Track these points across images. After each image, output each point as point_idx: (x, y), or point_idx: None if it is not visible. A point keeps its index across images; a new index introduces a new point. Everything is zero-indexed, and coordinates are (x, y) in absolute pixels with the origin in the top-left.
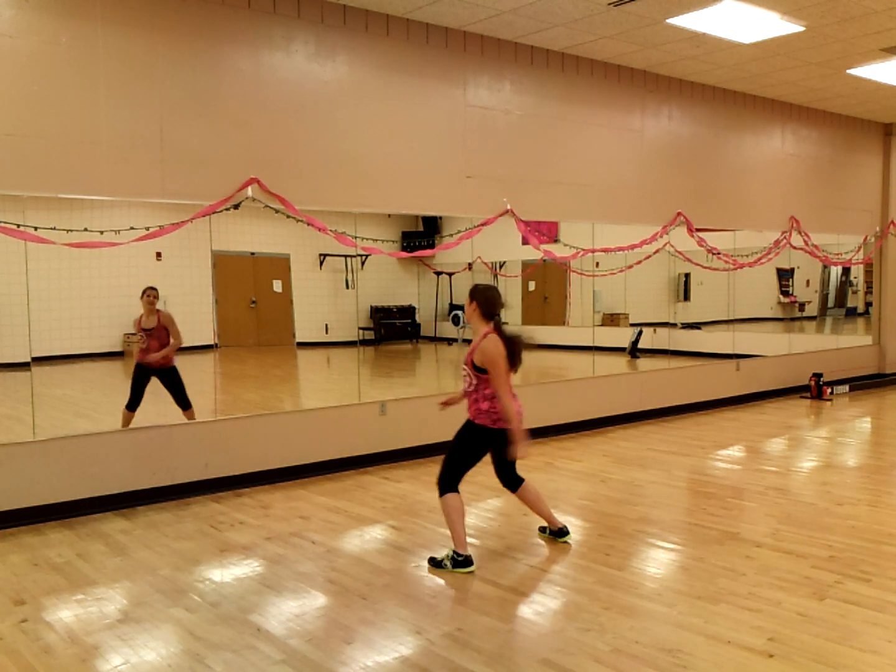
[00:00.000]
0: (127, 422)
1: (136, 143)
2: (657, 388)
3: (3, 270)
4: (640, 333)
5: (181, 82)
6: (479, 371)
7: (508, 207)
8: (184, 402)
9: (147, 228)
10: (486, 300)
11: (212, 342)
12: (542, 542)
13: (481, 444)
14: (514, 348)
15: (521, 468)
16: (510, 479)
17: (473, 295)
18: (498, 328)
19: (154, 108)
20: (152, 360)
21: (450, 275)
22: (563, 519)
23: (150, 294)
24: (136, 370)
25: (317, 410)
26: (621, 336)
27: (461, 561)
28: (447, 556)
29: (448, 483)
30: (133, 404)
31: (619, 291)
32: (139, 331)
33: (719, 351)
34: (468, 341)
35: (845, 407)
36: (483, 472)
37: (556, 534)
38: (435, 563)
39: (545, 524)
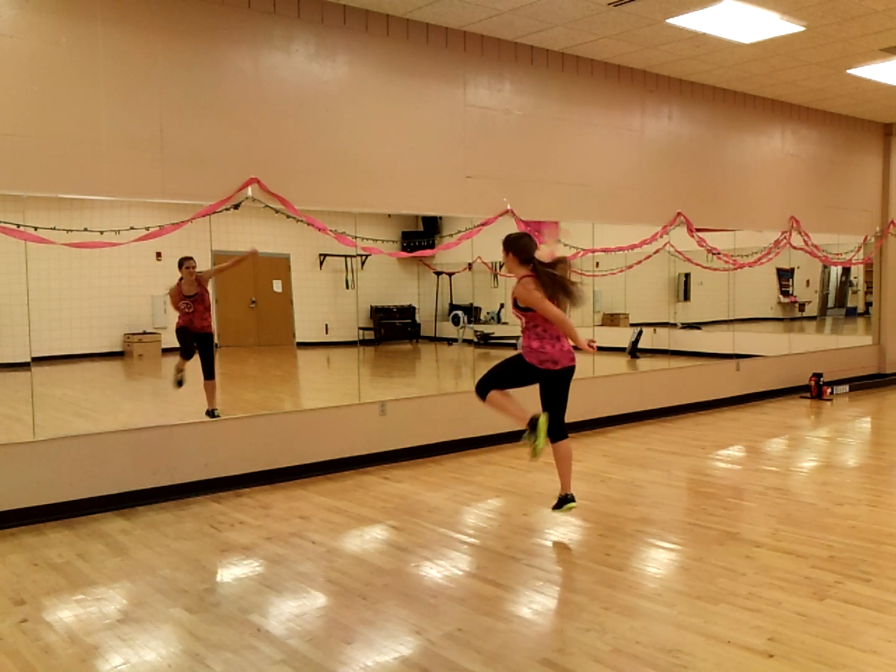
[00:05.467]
0: (183, 364)
1: (136, 143)
2: (657, 388)
3: (3, 270)
4: (640, 333)
5: (181, 82)
6: (523, 310)
7: (508, 207)
8: (209, 372)
9: (147, 228)
10: (520, 248)
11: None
12: (543, 542)
13: (526, 374)
14: (555, 284)
15: (524, 468)
16: (554, 429)
17: (507, 246)
18: (535, 270)
19: (154, 108)
20: (203, 325)
21: (450, 275)
22: (563, 518)
23: (189, 265)
24: (181, 332)
25: (317, 410)
26: (621, 336)
27: (534, 422)
28: (525, 434)
29: (484, 387)
30: (188, 355)
31: (619, 291)
32: (181, 298)
33: (719, 351)
34: (468, 341)
35: (845, 407)
36: (482, 473)
37: (562, 500)
38: (530, 429)
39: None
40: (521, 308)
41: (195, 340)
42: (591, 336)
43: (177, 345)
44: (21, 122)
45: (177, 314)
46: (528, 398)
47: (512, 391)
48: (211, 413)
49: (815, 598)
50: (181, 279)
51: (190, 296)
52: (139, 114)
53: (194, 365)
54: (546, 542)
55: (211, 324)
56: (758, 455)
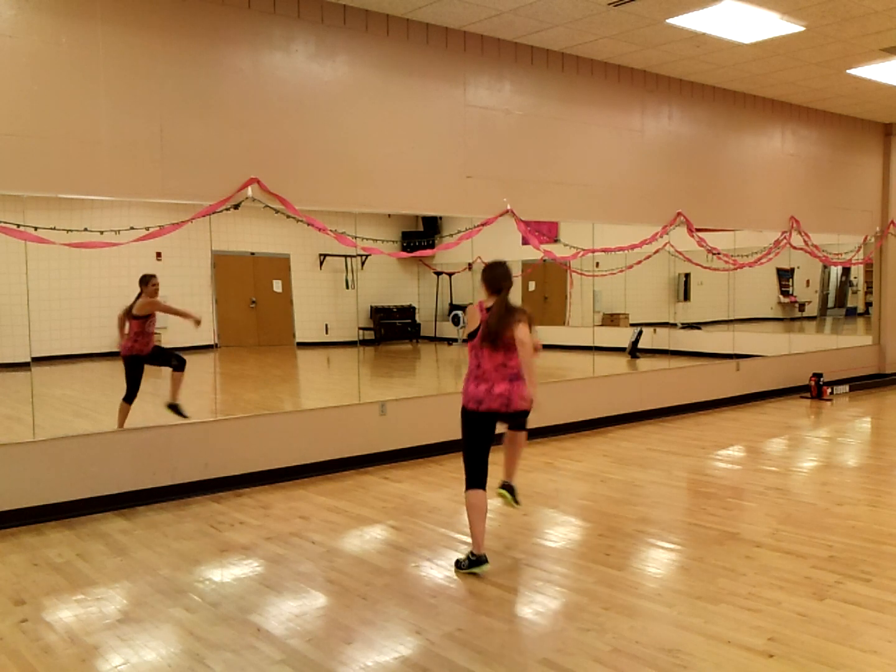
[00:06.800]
0: (125, 415)
1: (136, 143)
2: (657, 388)
3: (3, 270)
4: (640, 333)
5: (181, 82)
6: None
7: (508, 207)
8: (179, 363)
9: (147, 228)
10: (489, 278)
11: (212, 342)
12: (543, 542)
13: (471, 428)
14: (493, 323)
15: (523, 468)
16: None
17: (482, 275)
18: (498, 299)
19: (154, 108)
20: (151, 346)
21: (450, 275)
22: (562, 518)
23: (156, 283)
24: (136, 361)
25: (317, 410)
26: (621, 336)
27: (474, 561)
28: (466, 556)
29: (467, 482)
30: (133, 394)
31: (619, 291)
32: (128, 317)
33: (719, 351)
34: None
35: (845, 407)
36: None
37: (503, 485)
38: (457, 565)
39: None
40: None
41: (146, 363)
42: (591, 336)
43: (174, 345)
44: (21, 122)
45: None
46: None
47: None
48: (174, 407)
49: (815, 598)
50: (141, 295)
51: (145, 316)
52: (139, 114)
53: (197, 365)
54: (546, 542)
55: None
56: (758, 455)
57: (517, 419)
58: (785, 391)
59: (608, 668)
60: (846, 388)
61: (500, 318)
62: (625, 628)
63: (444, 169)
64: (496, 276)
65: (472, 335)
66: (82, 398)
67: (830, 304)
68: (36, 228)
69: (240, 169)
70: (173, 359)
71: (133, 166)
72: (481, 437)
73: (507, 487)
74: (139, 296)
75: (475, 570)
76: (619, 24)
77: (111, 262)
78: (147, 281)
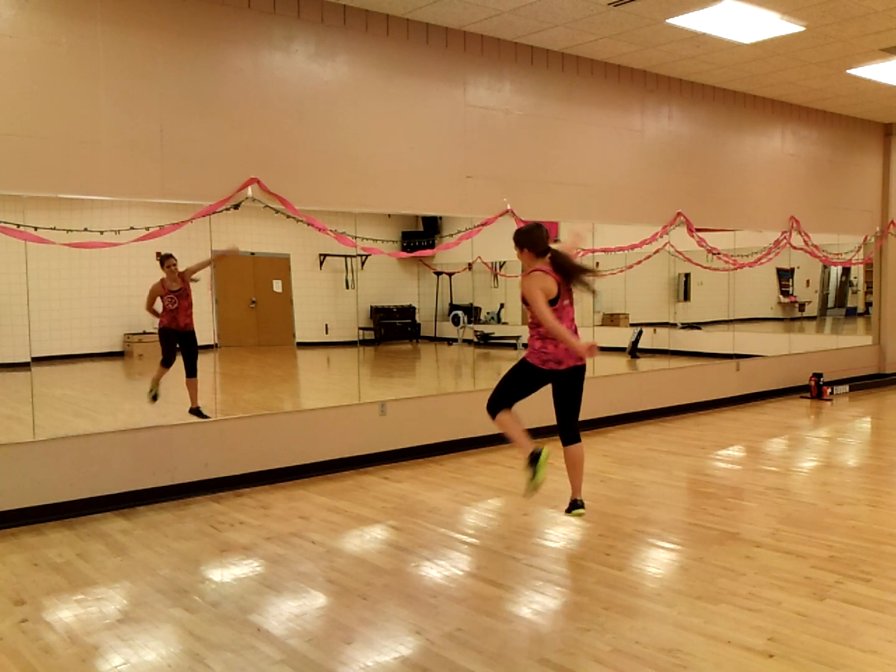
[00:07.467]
0: (159, 376)
1: (136, 143)
2: (657, 388)
3: (3, 270)
4: (640, 333)
5: (181, 82)
6: (527, 305)
7: (508, 207)
8: (192, 370)
9: (147, 228)
10: (533, 241)
11: (212, 342)
12: (543, 542)
13: (533, 379)
14: (573, 271)
15: (524, 468)
16: (565, 432)
17: (520, 243)
18: (552, 261)
19: (154, 108)
20: (187, 322)
21: (450, 275)
22: (563, 518)
23: (170, 263)
24: (165, 333)
25: (317, 410)
26: (621, 336)
27: (534, 456)
28: (525, 467)
29: (493, 406)
30: (169, 361)
31: (619, 291)
32: (166, 293)
33: (719, 351)
34: (468, 341)
35: (845, 407)
36: (482, 473)
37: (571, 505)
38: (531, 478)
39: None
40: (525, 303)
41: (178, 341)
42: (591, 336)
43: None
44: (21, 122)
45: (153, 317)
46: (544, 403)
47: (523, 411)
48: (195, 411)
49: (815, 598)
50: (163, 278)
51: (174, 291)
52: (139, 114)
53: (197, 364)
54: (546, 542)
55: (193, 321)
56: (758, 455)
57: (581, 373)
58: (785, 391)
59: (608, 668)
60: (846, 388)
61: (575, 264)
62: (625, 628)
63: (444, 169)
64: (540, 237)
65: (554, 300)
66: (82, 398)
67: (830, 304)
68: (36, 228)
69: (240, 169)
70: (191, 362)
71: (133, 166)
72: (535, 387)
73: (577, 505)
74: None
75: (538, 465)
76: (619, 24)
77: (111, 262)
78: (163, 262)
